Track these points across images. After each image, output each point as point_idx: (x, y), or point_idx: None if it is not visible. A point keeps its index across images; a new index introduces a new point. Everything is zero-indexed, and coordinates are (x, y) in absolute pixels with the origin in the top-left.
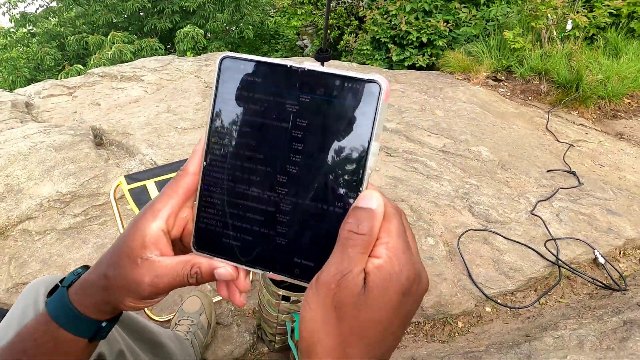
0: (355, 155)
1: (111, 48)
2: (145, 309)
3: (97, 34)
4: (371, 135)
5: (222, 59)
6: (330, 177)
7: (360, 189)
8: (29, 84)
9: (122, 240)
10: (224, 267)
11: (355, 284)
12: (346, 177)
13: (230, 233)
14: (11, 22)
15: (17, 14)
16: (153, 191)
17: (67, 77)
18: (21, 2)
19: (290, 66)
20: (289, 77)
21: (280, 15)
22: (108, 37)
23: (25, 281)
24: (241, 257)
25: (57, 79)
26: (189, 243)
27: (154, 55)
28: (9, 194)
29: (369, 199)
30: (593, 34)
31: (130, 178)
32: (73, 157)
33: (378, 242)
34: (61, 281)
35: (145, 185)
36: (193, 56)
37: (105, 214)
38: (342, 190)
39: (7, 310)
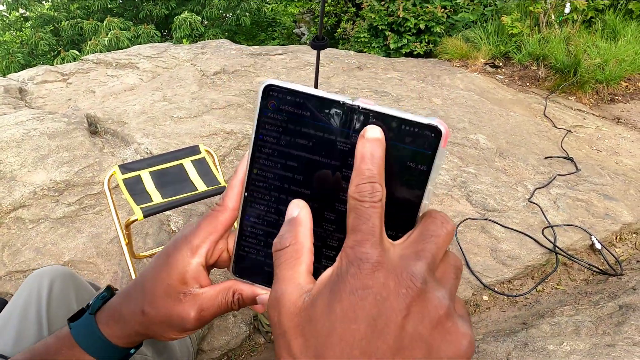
0: (408, 200)
1: (107, 34)
2: None
3: (92, 19)
4: (426, 183)
5: (266, 87)
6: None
7: None
8: (23, 69)
9: (157, 277)
10: (266, 294)
11: (292, 302)
12: (396, 220)
13: (271, 262)
14: (3, 4)
15: None
16: (148, 181)
17: (63, 63)
18: None
19: (343, 103)
20: (340, 113)
21: (277, 2)
22: (104, 23)
23: (19, 269)
24: None
25: (51, 64)
26: (222, 266)
27: (150, 42)
28: (2, 181)
29: (290, 208)
30: (591, 17)
31: (124, 168)
32: (67, 145)
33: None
34: (87, 306)
35: (139, 175)
36: (189, 44)
37: (100, 203)
38: (390, 233)
39: (2, 299)
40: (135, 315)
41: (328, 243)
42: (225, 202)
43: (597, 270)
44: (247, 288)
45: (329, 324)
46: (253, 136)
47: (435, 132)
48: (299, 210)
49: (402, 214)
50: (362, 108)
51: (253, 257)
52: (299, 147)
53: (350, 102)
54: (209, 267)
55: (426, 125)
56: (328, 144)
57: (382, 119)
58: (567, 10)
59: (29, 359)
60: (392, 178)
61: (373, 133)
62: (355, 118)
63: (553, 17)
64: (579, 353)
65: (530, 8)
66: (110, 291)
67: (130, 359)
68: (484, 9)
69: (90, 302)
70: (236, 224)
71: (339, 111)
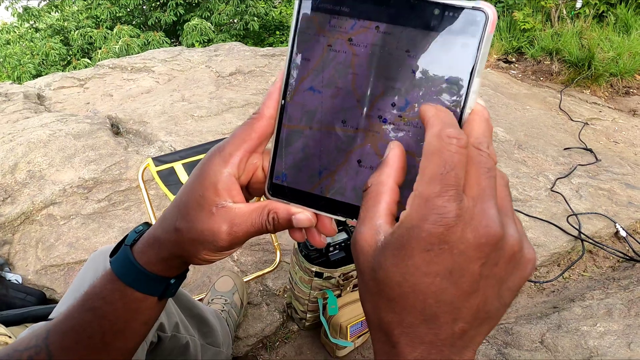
0: (454, 93)
1: (117, 42)
2: None
3: (102, 27)
4: (473, 72)
5: None
6: None
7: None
8: (34, 79)
9: (190, 190)
10: (302, 213)
11: (367, 242)
12: None
13: (309, 179)
14: (14, 16)
15: (20, 7)
16: (181, 173)
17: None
18: None
19: None
20: (379, 6)
21: (285, 5)
22: (114, 31)
23: (53, 263)
24: (319, 203)
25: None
26: (256, 190)
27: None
28: (32, 180)
29: (388, 147)
30: (603, 11)
31: (157, 160)
32: (92, 144)
33: (414, 186)
34: (123, 239)
35: (173, 167)
36: (202, 47)
37: (129, 199)
38: None
39: (39, 291)
40: (169, 234)
41: (369, 150)
42: (262, 109)
43: (624, 256)
44: (282, 207)
45: (400, 276)
46: (290, 42)
47: (482, 15)
48: (388, 152)
49: None
50: None
51: (290, 173)
52: (337, 47)
53: None
54: (243, 186)
55: (471, 7)
56: (368, 39)
57: (422, 7)
58: (578, 4)
59: (83, 299)
60: (434, 69)
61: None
62: (395, 9)
63: (565, 12)
64: (614, 334)
65: (542, 3)
66: (147, 226)
67: (177, 340)
68: (495, 5)
69: (128, 234)
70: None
71: (378, 3)
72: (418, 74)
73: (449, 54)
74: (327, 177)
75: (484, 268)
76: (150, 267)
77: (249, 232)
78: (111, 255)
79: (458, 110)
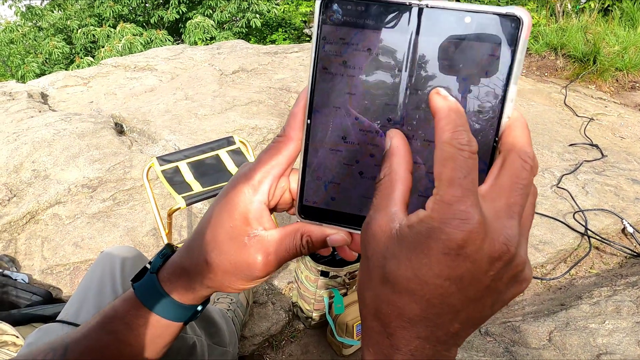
0: (489, 103)
1: (120, 40)
2: None
3: (105, 26)
4: (509, 79)
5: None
6: None
7: (496, 139)
8: (38, 78)
9: (218, 221)
10: (337, 234)
11: (381, 229)
12: (478, 128)
13: (342, 198)
14: (17, 15)
15: (22, 6)
16: (186, 172)
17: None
18: None
19: (410, 3)
20: (407, 16)
21: (288, 3)
22: (117, 29)
23: (59, 263)
24: (353, 221)
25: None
26: (282, 210)
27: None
28: (37, 180)
29: (387, 137)
30: (608, 5)
31: (162, 159)
32: (97, 143)
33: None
34: (143, 270)
35: (177, 166)
36: (205, 45)
37: (133, 198)
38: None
39: (45, 290)
40: (199, 267)
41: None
42: (287, 131)
43: (631, 253)
44: (315, 229)
45: (411, 271)
46: (313, 55)
47: (517, 22)
48: (390, 141)
49: (481, 126)
50: (431, 7)
51: (321, 194)
52: (364, 62)
53: (416, 1)
54: (271, 209)
55: (504, 14)
56: (397, 52)
57: (453, 16)
58: None
59: (102, 321)
60: (469, 80)
61: (445, 92)
62: (425, 20)
63: (569, 7)
64: (622, 331)
65: None
66: (170, 248)
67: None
68: (498, 1)
69: (151, 260)
70: (299, 160)
71: (405, 13)
72: (452, 86)
73: (484, 63)
74: (360, 195)
75: (491, 281)
76: (179, 297)
77: (284, 258)
78: (134, 280)
79: (495, 118)
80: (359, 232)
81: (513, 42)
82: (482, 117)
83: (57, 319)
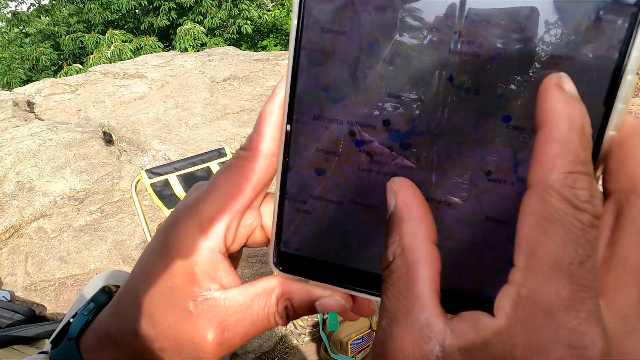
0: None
1: (109, 47)
2: None
3: (94, 32)
4: (622, 71)
5: None
6: (520, 154)
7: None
8: (24, 85)
9: (153, 274)
10: (331, 297)
11: (410, 355)
12: None
13: (339, 243)
14: (2, 21)
15: (9, 13)
16: (176, 185)
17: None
18: (12, 0)
19: None
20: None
21: (278, 8)
22: (106, 36)
23: (43, 279)
24: (355, 279)
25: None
26: (255, 245)
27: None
28: (21, 192)
29: (389, 191)
30: None
31: (151, 172)
32: (84, 154)
33: (514, 279)
34: (67, 326)
35: (167, 179)
36: (195, 52)
37: (122, 210)
38: None
39: (28, 308)
40: (128, 337)
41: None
42: (255, 142)
43: None
44: (299, 289)
45: None
46: (295, 22)
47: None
48: (393, 198)
49: None
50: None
51: (307, 236)
52: (381, 28)
53: None
54: (233, 254)
55: None
56: (437, 10)
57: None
58: None
59: None
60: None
61: (572, 87)
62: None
63: None
64: None
65: None
66: (104, 295)
67: None
68: None
69: (71, 320)
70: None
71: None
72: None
73: (586, 67)
74: (363, 240)
75: None
76: None
77: (249, 332)
78: (53, 343)
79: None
80: (365, 295)
81: (628, 30)
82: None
83: (43, 349)
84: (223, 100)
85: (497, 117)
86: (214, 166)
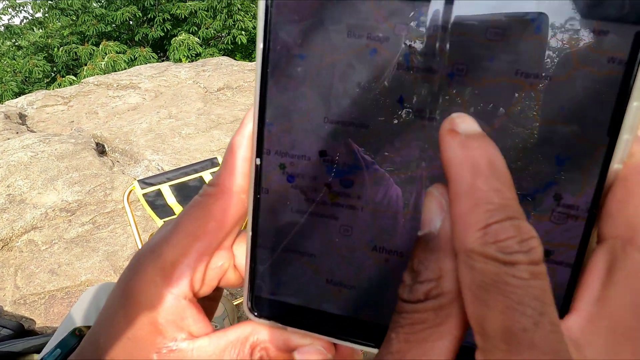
0: (581, 170)
1: (104, 58)
2: None
3: (87, 44)
4: (621, 124)
5: None
6: (530, 183)
7: (594, 209)
8: (17, 97)
9: (112, 325)
10: (311, 345)
11: None
12: (545, 182)
13: (318, 286)
14: None
15: (1, 26)
16: (168, 195)
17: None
18: (3, 14)
19: None
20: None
21: None
22: (100, 47)
23: (33, 292)
24: (337, 326)
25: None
26: (230, 286)
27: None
28: (12, 205)
29: (429, 212)
30: None
31: (143, 182)
32: (76, 165)
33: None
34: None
35: (160, 189)
36: (189, 62)
37: (114, 221)
38: (559, 211)
39: (17, 322)
40: None
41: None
42: (222, 178)
43: None
44: (275, 337)
45: None
46: (260, 56)
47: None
48: (442, 213)
49: (551, 191)
50: None
51: (285, 279)
52: (352, 46)
53: None
54: (209, 295)
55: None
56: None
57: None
58: None
59: None
60: (553, 129)
61: (468, 125)
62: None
63: None
64: None
65: None
66: (73, 339)
67: None
68: None
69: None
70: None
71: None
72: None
73: (580, 98)
74: (346, 282)
75: None
76: None
77: None
78: None
79: (594, 165)
80: (349, 344)
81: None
82: (569, 168)
83: (41, 358)
84: (217, 110)
85: None
86: (207, 176)
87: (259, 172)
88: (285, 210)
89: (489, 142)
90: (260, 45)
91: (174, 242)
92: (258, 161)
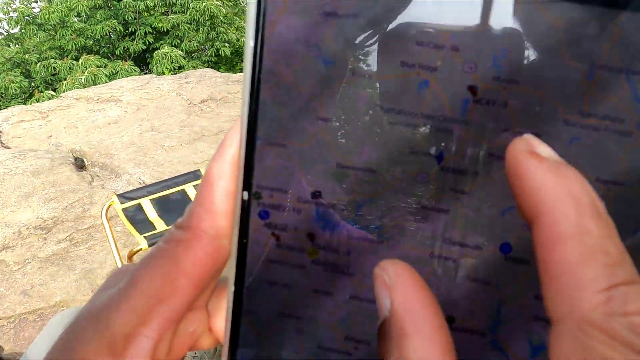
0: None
1: (84, 72)
2: None
3: (67, 58)
4: None
5: None
6: None
7: None
8: None
9: None
10: None
11: None
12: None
13: (312, 347)
14: None
15: None
16: (149, 210)
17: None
18: None
19: None
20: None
21: None
22: (80, 61)
23: (2, 315)
24: None
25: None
26: (205, 349)
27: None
28: None
29: (378, 298)
30: None
31: (123, 197)
32: (53, 181)
33: None
34: None
35: (140, 203)
36: (172, 74)
37: (92, 237)
38: None
39: None
40: None
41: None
42: (197, 218)
43: None
44: None
45: None
46: (248, 80)
47: None
48: (388, 293)
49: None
50: None
51: (272, 342)
52: (362, 55)
53: None
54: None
55: None
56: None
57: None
58: None
59: None
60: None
61: (548, 150)
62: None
63: None
64: None
65: None
66: None
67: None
68: None
69: None
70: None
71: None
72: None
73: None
74: (347, 341)
75: None
76: None
77: None
78: None
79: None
80: None
81: None
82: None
83: None
84: (200, 122)
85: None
86: (189, 189)
87: (246, 209)
88: (277, 259)
89: (579, 173)
90: (250, 42)
91: (128, 307)
92: (245, 195)
